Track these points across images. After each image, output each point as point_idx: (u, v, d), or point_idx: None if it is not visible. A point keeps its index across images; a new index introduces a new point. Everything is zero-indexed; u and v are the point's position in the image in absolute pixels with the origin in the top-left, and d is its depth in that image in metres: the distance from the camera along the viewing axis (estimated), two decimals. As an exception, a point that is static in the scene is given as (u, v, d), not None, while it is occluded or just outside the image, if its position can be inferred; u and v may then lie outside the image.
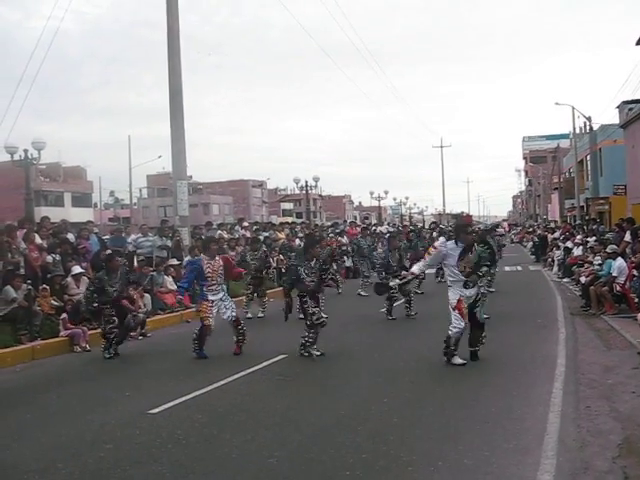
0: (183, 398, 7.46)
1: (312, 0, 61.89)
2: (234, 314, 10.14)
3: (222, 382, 8.24)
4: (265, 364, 9.26)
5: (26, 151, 21.08)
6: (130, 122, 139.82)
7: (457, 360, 8.73)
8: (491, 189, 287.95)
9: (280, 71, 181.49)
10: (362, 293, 18.36)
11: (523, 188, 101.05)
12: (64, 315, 11.53)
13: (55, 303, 12.11)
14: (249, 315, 14.28)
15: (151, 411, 6.99)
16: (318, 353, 9.51)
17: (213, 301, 10.02)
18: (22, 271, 12.08)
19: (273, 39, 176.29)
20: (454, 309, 8.74)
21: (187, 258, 11.47)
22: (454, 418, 6.34)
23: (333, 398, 7.35)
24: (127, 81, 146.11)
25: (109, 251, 14.74)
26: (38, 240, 13.14)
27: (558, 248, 24.96)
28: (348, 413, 6.68)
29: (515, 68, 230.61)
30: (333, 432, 6.06)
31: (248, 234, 22.82)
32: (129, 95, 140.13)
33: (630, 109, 28.41)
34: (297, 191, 60.45)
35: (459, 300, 8.72)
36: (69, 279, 12.73)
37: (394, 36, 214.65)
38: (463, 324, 8.69)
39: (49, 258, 13.13)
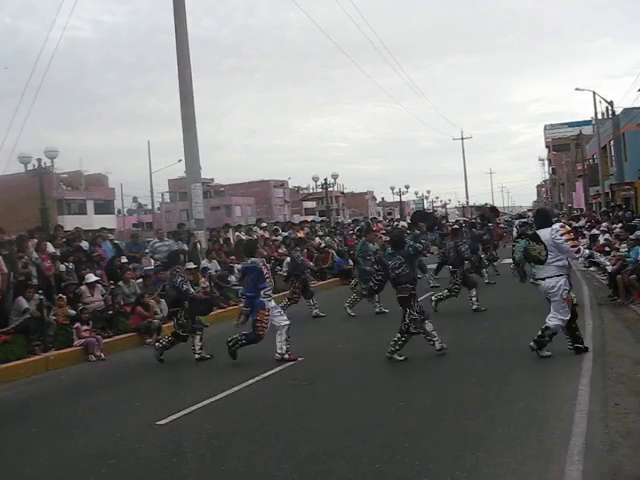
0: (193, 407, 7.22)
1: (326, -2, 61.55)
2: (288, 321, 9.69)
3: (235, 388, 8.00)
4: (280, 368, 8.98)
5: (39, 160, 20.99)
6: (151, 128, 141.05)
7: (545, 352, 8.45)
8: (515, 179, 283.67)
9: (299, 71, 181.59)
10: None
11: (547, 177, 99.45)
12: (77, 324, 11.35)
13: (72, 312, 11.91)
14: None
15: (159, 422, 6.75)
16: (401, 358, 9.00)
17: (269, 309, 9.56)
18: (35, 281, 11.95)
19: (290, 39, 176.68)
20: (564, 299, 8.38)
21: (247, 263, 10.27)
22: (473, 422, 5.99)
23: (348, 403, 7.03)
24: (146, 88, 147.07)
25: (124, 258, 14.67)
26: (50, 249, 13.00)
27: (583, 236, 24.35)
28: (363, 419, 6.38)
29: (535, 56, 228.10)
30: (346, 440, 5.75)
31: (267, 234, 22.68)
32: (149, 101, 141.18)
33: (653, 91, 27.66)
34: (318, 189, 60.33)
35: (569, 292, 8.54)
36: (83, 287, 12.57)
37: (411, 30, 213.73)
38: (567, 318, 8.41)
39: (62, 267, 12.98)
